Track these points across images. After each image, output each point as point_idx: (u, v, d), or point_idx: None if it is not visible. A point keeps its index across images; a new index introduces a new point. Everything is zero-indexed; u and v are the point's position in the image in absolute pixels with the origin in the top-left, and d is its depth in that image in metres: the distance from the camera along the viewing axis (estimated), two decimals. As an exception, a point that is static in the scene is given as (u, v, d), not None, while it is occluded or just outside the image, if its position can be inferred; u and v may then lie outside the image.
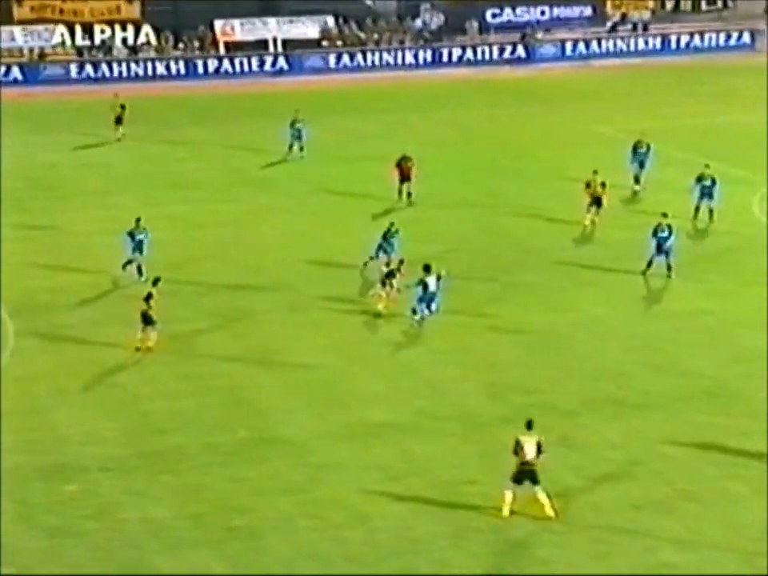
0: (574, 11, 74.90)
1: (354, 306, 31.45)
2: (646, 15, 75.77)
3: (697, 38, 72.42)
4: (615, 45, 71.96)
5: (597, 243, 36.69)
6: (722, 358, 28.27)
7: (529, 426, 21.55)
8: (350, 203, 40.86)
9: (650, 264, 32.90)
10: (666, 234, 32.59)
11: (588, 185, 37.52)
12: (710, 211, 37.58)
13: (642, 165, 41.25)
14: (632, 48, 71.91)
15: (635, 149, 41.42)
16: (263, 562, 20.31)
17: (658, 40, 72.27)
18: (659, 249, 32.65)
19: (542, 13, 74.34)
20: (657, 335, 29.67)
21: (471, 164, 45.92)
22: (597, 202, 37.26)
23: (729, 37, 72.64)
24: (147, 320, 28.20)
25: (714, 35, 72.68)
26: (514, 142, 49.54)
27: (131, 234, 32.82)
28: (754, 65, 67.45)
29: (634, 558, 20.33)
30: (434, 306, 29.90)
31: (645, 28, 74.05)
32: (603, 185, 37.27)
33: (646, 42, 72.44)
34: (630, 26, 74.23)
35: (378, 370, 27.82)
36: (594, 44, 71.58)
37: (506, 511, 21.36)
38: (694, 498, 22.11)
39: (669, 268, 32.75)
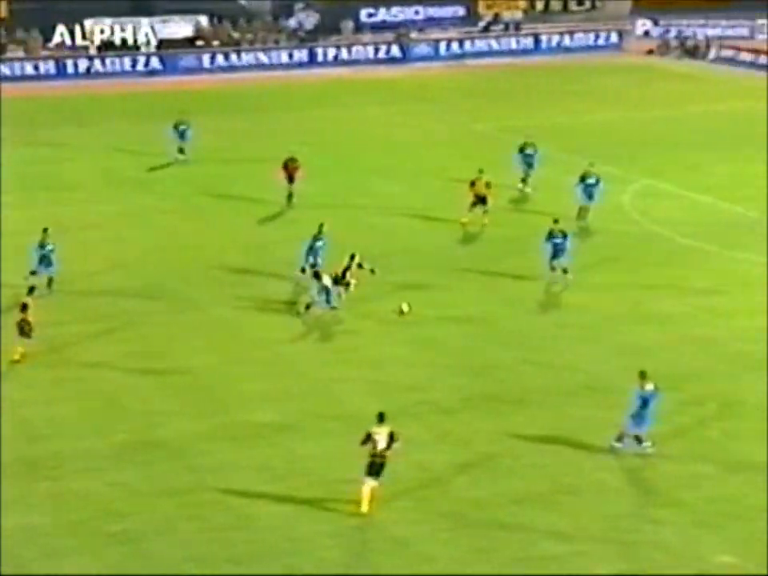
0: (447, 11, 75.57)
1: (237, 307, 31.27)
2: (518, 15, 76.76)
3: (567, 37, 73.58)
4: (489, 44, 72.73)
5: (479, 242, 36.99)
6: (599, 352, 28.77)
7: (380, 418, 21.75)
8: (231, 204, 40.53)
9: (553, 269, 32.74)
10: (560, 239, 32.55)
11: (473, 184, 37.70)
12: (586, 210, 38.14)
13: (530, 166, 41.42)
14: (505, 47, 72.72)
15: (522, 150, 41.60)
16: (145, 566, 20.08)
17: (530, 40, 73.21)
18: (555, 254, 32.47)
19: (416, 13, 74.81)
20: (537, 331, 30.09)
21: (350, 164, 45.99)
22: (482, 201, 37.49)
23: (597, 36, 73.96)
24: (22, 331, 27.68)
25: (583, 35, 73.94)
26: (392, 142, 49.78)
27: (41, 245, 31.78)
28: (622, 64, 68.91)
29: (515, 552, 20.60)
30: (331, 300, 30.38)
31: (517, 28, 74.99)
32: (488, 184, 37.49)
33: (519, 42, 73.32)
34: (502, 26, 75.12)
35: (261, 371, 27.70)
36: (468, 43, 72.22)
37: (364, 507, 21.52)
38: (572, 491, 22.49)
39: (564, 271, 32.62)
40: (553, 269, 32.85)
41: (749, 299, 31.81)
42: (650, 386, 23.47)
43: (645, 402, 23.43)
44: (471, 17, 75.86)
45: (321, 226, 32.68)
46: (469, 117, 54.12)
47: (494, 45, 72.78)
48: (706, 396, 26.18)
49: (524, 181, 41.46)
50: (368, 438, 21.57)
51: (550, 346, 29.21)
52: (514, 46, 72.99)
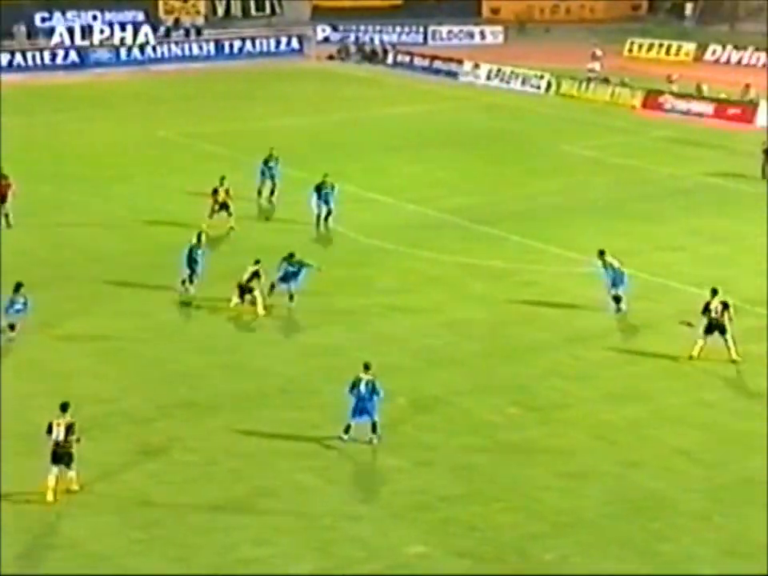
0: (127, 16, 74.46)
1: None
2: (199, 20, 76.54)
3: (249, 43, 73.95)
4: (170, 50, 72.14)
5: (164, 249, 36.30)
6: (289, 354, 29.02)
7: (63, 408, 22.10)
8: None
9: (271, 288, 31.83)
10: (295, 269, 31.80)
11: (215, 191, 37.63)
12: (328, 214, 38.18)
13: (272, 178, 41.06)
14: (187, 53, 72.37)
15: (266, 162, 41.16)
16: None
17: (212, 45, 73.16)
18: (285, 279, 31.70)
19: (94, 17, 73.38)
20: (227, 336, 30.06)
21: (30, 173, 44.37)
22: (224, 207, 37.57)
23: (279, 42, 74.69)
24: None
25: (265, 41, 74.48)
26: (75, 149, 48.58)
27: None
28: (304, 69, 69.89)
29: (213, 558, 20.46)
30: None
31: (198, 33, 74.75)
32: (227, 192, 37.60)
33: (201, 47, 73.11)
34: (182, 32, 74.67)
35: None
36: (150, 49, 71.41)
37: (50, 496, 21.60)
38: (269, 493, 22.59)
39: (291, 297, 31.77)
40: (271, 288, 31.92)
41: (430, 296, 32.85)
42: (367, 376, 24.18)
43: (357, 386, 24.08)
44: (151, 22, 75.11)
45: (199, 234, 32.41)
46: (152, 123, 53.47)
47: (177, 50, 72.28)
48: (395, 391, 26.78)
49: (260, 193, 40.99)
50: (50, 428, 21.95)
51: (241, 350, 29.25)
52: (196, 51, 72.78)
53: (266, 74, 67.50)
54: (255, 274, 31.18)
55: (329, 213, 38.53)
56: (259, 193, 41.18)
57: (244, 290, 31.16)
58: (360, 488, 23.08)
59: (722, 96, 57.36)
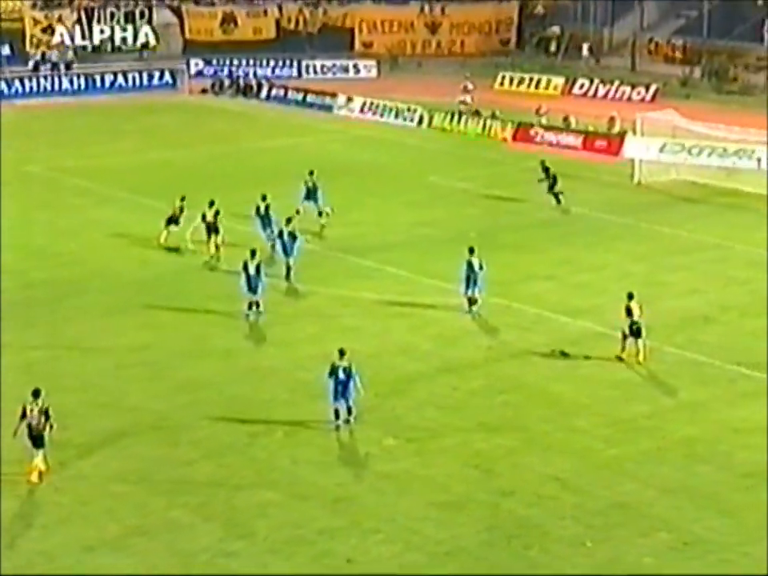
0: (-8, 50, 73.51)
1: None
2: (69, 55, 75.50)
3: (120, 77, 73.19)
4: (39, 84, 71.07)
5: (37, 286, 35.89)
6: (163, 390, 28.63)
7: (35, 394, 23.82)
8: None
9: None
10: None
11: (203, 216, 37.80)
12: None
13: (315, 201, 41.73)
14: (57, 87, 71.36)
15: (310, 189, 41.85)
16: None
17: (83, 80, 72.26)
18: None
19: (-43, 52, 72.28)
20: (99, 373, 29.56)
21: None
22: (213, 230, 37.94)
23: (151, 76, 74.04)
24: None
25: (137, 75, 73.79)
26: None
27: None
28: (177, 103, 69.41)
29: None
30: None
31: (68, 67, 73.74)
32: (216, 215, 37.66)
33: (71, 82, 72.16)
34: (49, 66, 73.66)
35: None
36: (17, 83, 70.24)
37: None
38: (143, 532, 22.25)
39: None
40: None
41: (304, 329, 32.70)
42: (343, 363, 26.03)
43: (335, 372, 25.98)
44: (17, 56, 74.00)
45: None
46: (20, 158, 52.46)
47: (46, 84, 71.20)
48: (272, 425, 26.70)
49: (325, 214, 41.62)
50: (24, 413, 23.60)
51: (112, 386, 28.80)
52: (66, 85, 71.74)
53: (137, 108, 66.80)
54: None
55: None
56: (327, 214, 41.64)
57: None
58: (236, 523, 22.80)
59: (590, 128, 58.52)
